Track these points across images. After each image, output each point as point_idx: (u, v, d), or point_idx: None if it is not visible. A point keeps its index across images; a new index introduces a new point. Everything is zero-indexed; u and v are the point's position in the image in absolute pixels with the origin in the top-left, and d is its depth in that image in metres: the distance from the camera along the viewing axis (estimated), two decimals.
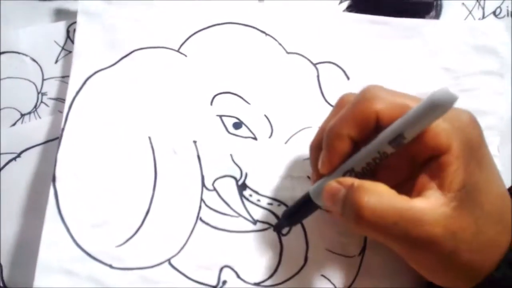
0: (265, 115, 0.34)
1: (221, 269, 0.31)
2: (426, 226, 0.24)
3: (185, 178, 0.32)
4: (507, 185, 0.27)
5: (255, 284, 0.31)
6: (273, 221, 0.32)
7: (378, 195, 0.25)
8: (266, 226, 0.32)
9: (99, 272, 0.30)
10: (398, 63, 0.37)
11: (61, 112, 0.33)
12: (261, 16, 0.36)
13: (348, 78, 0.36)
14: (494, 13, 0.40)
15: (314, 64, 0.36)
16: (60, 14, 0.37)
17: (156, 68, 0.34)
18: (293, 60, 0.36)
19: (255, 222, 0.32)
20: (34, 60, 0.37)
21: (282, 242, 0.32)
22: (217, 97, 0.34)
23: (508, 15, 0.40)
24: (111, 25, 0.34)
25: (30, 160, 0.34)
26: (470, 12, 0.39)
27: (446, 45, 0.37)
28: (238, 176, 0.33)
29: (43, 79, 0.37)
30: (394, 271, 0.33)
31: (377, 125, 0.26)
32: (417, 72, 0.37)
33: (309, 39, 0.36)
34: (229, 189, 0.33)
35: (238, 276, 0.31)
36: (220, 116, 0.34)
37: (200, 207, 0.32)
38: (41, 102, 0.36)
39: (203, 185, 0.33)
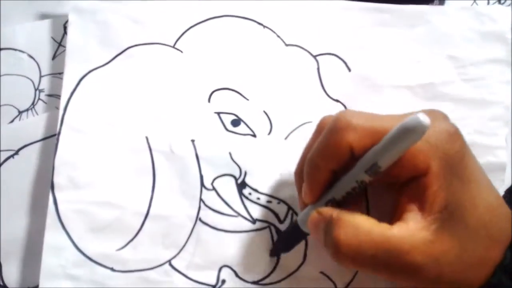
0: (264, 111, 0.34)
1: (220, 269, 0.31)
2: (405, 255, 0.23)
3: (184, 179, 0.32)
4: None
5: (254, 282, 0.31)
6: (273, 219, 0.32)
7: (354, 228, 0.24)
8: (265, 225, 0.32)
9: (101, 276, 0.31)
10: (402, 53, 0.35)
11: (58, 108, 0.33)
12: (259, 8, 0.35)
13: (349, 69, 0.35)
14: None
15: (314, 56, 0.35)
16: (57, 10, 0.36)
17: (151, 65, 0.34)
18: (292, 53, 0.35)
19: (254, 221, 0.32)
20: (31, 57, 0.36)
21: None
22: (214, 93, 0.34)
23: None
24: (104, 22, 0.34)
25: (28, 157, 0.34)
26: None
27: (452, 32, 0.36)
28: (237, 175, 0.33)
29: (41, 76, 0.36)
30: None
31: (353, 155, 0.25)
32: (421, 62, 0.35)
33: (308, 30, 0.35)
34: (228, 188, 0.33)
35: (237, 275, 0.31)
36: (218, 113, 0.34)
37: (199, 207, 0.32)
38: (39, 99, 0.36)
39: (202, 185, 0.32)
